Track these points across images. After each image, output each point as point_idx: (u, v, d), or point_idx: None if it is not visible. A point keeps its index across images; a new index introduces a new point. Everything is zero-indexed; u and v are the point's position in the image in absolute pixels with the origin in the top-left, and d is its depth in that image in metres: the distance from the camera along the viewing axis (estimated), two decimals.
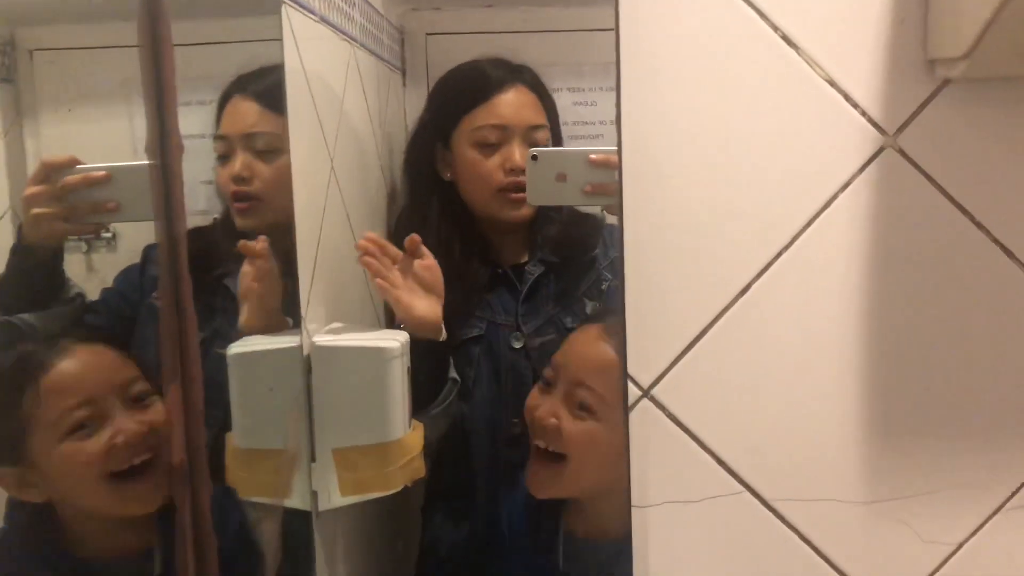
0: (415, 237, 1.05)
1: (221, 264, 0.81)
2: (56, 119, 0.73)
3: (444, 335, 1.13)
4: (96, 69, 0.74)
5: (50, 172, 0.67)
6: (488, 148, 1.23)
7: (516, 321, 1.24)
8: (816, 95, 0.67)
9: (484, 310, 1.24)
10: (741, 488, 0.70)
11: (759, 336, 0.69)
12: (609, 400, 1.00)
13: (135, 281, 0.75)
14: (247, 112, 0.88)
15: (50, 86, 0.72)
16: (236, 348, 0.82)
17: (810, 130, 0.67)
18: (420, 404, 1.16)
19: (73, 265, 0.74)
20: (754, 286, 0.68)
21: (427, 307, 1.06)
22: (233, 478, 0.82)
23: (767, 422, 0.69)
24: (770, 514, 0.70)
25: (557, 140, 1.29)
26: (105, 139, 0.75)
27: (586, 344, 1.06)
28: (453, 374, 1.18)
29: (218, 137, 0.86)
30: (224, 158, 0.87)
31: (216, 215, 0.87)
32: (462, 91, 1.27)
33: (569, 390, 1.03)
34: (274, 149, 0.88)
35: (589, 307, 1.22)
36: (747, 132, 0.67)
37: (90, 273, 0.76)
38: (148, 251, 0.74)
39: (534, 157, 1.05)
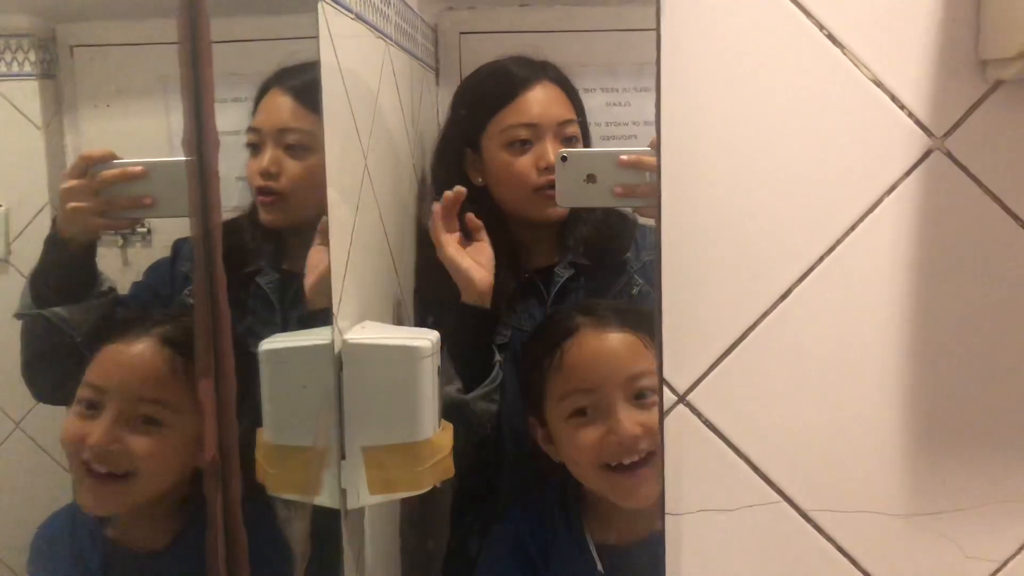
0: (475, 220, 1.10)
1: (252, 261, 0.80)
2: (95, 114, 0.73)
3: (489, 304, 1.15)
4: (135, 65, 0.74)
5: (87, 166, 0.67)
6: (520, 148, 1.21)
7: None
8: (862, 96, 0.65)
9: (509, 317, 1.23)
10: (778, 497, 0.69)
11: (799, 342, 0.67)
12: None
13: (166, 276, 0.75)
14: (282, 107, 0.88)
15: (90, 82, 0.72)
16: (268, 344, 0.82)
17: (855, 132, 0.66)
18: (472, 381, 1.17)
19: (108, 259, 0.74)
20: (795, 290, 0.67)
21: (481, 271, 1.13)
22: (263, 474, 0.82)
23: (806, 430, 0.68)
24: (807, 525, 0.69)
25: (585, 135, 1.27)
26: (142, 134, 0.75)
27: (603, 342, 1.05)
28: (498, 357, 1.18)
29: (251, 129, 0.86)
30: (255, 149, 0.87)
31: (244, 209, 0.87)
32: (488, 93, 1.26)
33: (624, 389, 1.01)
34: (305, 146, 0.88)
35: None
36: (790, 134, 0.66)
37: (125, 267, 0.77)
38: (178, 245, 0.74)
39: (563, 158, 1.04)
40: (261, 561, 0.74)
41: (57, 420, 0.71)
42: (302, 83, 0.87)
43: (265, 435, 0.82)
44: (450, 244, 1.13)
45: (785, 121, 0.66)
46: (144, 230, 0.76)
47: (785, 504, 0.69)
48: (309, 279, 0.85)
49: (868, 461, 0.68)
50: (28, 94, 0.69)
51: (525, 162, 1.20)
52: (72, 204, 0.67)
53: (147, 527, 0.74)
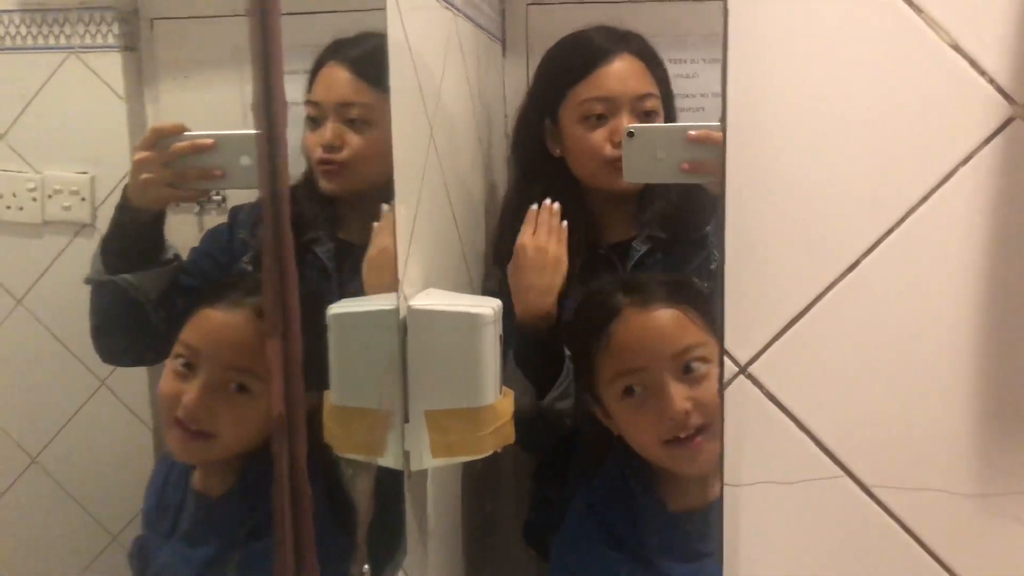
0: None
1: (309, 230, 0.81)
2: (174, 85, 0.75)
3: (555, 316, 1.16)
4: (211, 37, 0.76)
5: (159, 138, 0.68)
6: (595, 121, 1.20)
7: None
8: (939, 61, 0.63)
9: (582, 293, 1.23)
10: (840, 472, 0.67)
11: (866, 315, 0.66)
12: (712, 351, 0.99)
13: (224, 243, 0.77)
14: (342, 81, 0.88)
15: (169, 54, 0.74)
16: (336, 308, 0.85)
17: (930, 99, 0.63)
18: (544, 384, 1.17)
19: (185, 226, 0.77)
20: (863, 262, 0.65)
21: (542, 302, 1.13)
22: (330, 435, 0.84)
23: (870, 405, 0.66)
24: (870, 501, 0.67)
25: (669, 109, 1.24)
26: (218, 105, 0.77)
27: (655, 320, 1.05)
28: (568, 352, 1.18)
29: (310, 102, 0.87)
30: (314, 122, 0.87)
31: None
32: (567, 64, 1.25)
33: (678, 362, 1.02)
34: (366, 120, 0.88)
35: (696, 286, 1.19)
36: (861, 101, 0.64)
37: (200, 234, 0.79)
38: (235, 212, 0.76)
39: (630, 133, 1.03)
40: (325, 518, 0.77)
41: (134, 380, 0.75)
42: (360, 55, 0.88)
43: (332, 397, 0.85)
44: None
45: (856, 88, 0.64)
46: (219, 198, 0.78)
47: (847, 479, 0.67)
48: (371, 254, 0.86)
49: (935, 438, 0.66)
50: (111, 66, 0.71)
51: (599, 136, 1.20)
52: (143, 175, 0.68)
53: (219, 474, 0.78)
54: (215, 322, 0.74)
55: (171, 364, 0.72)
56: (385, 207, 0.86)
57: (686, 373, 1.00)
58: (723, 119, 0.65)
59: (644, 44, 1.24)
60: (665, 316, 1.03)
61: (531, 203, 1.20)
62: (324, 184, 0.86)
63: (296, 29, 0.81)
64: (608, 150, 1.19)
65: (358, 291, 0.87)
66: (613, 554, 1.05)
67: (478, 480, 1.31)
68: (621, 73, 1.21)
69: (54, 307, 0.71)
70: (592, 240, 1.25)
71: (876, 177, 0.65)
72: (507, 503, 1.51)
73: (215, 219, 0.79)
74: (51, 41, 0.69)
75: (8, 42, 0.68)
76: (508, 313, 1.09)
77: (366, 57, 0.87)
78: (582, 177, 1.24)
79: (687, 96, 1.42)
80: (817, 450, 0.67)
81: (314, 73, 0.87)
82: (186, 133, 0.69)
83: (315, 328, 0.76)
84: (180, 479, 0.77)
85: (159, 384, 0.73)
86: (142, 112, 0.73)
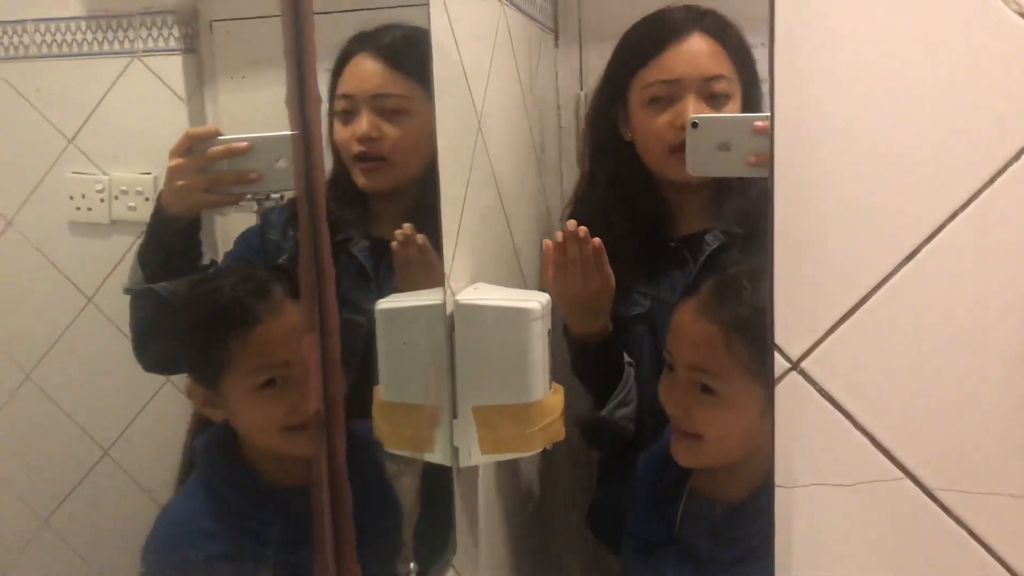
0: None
1: (341, 229, 0.79)
2: (232, 86, 0.75)
3: (610, 328, 1.13)
4: (267, 37, 0.76)
5: (192, 144, 0.67)
6: (660, 104, 1.15)
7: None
8: (1007, 33, 0.59)
9: (649, 287, 1.18)
10: (900, 474, 0.64)
11: (926, 307, 0.62)
12: (727, 376, 0.96)
13: (257, 245, 0.76)
14: (374, 72, 0.86)
15: (227, 55, 0.74)
16: (384, 304, 0.84)
17: (997, 74, 0.59)
18: (603, 392, 1.15)
19: (248, 224, 0.77)
20: (923, 251, 0.62)
21: (594, 317, 1.10)
22: (379, 430, 0.84)
23: (932, 403, 0.63)
24: (933, 504, 0.64)
25: (750, 94, 1.17)
26: (275, 104, 0.77)
27: (687, 323, 1.01)
28: (628, 359, 1.15)
29: (342, 96, 0.86)
30: (347, 116, 0.86)
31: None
32: (634, 46, 1.20)
33: (687, 375, 1.00)
34: (402, 111, 0.87)
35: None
36: (919, 81, 0.60)
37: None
38: (266, 214, 0.75)
39: (694, 124, 0.99)
40: (368, 516, 0.76)
41: None
42: (389, 44, 0.86)
43: (381, 393, 0.85)
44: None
45: (915, 67, 0.60)
46: (277, 196, 0.78)
47: (908, 481, 0.64)
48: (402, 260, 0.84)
49: (1002, 438, 0.62)
50: (173, 68, 0.71)
51: (664, 120, 1.15)
52: (179, 182, 0.67)
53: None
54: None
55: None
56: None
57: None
58: (771, 105, 0.62)
59: (722, 23, 1.17)
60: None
61: (599, 189, 1.16)
62: (362, 181, 0.85)
63: (333, 27, 0.81)
64: (672, 135, 1.14)
65: (397, 289, 0.86)
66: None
67: (530, 477, 1.30)
68: (689, 54, 1.15)
69: (122, 305, 0.72)
70: (662, 231, 1.20)
71: (936, 162, 0.61)
72: (560, 499, 1.50)
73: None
74: (115, 46, 0.70)
75: (75, 48, 0.69)
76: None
77: (397, 46, 0.85)
78: (650, 164, 1.20)
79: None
80: (875, 451, 0.64)
81: (340, 67, 0.86)
82: (220, 137, 0.68)
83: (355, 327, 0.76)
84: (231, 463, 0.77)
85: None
86: (202, 113, 0.73)
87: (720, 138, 0.97)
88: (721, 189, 1.19)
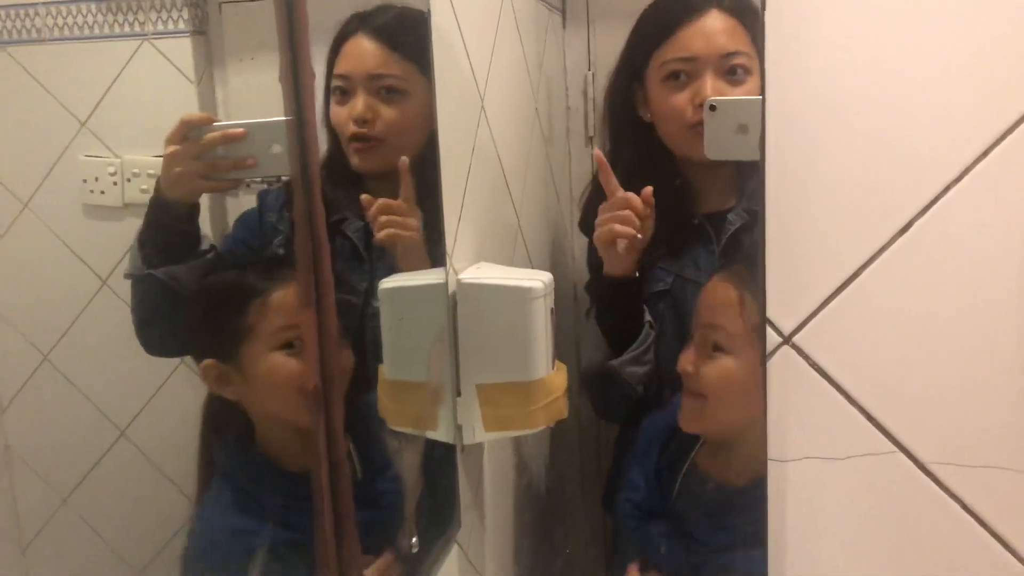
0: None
1: (335, 210, 0.79)
2: (241, 68, 0.75)
3: (636, 274, 1.14)
4: (275, 19, 0.76)
5: (188, 130, 0.67)
6: (678, 82, 1.15)
7: (709, 276, 1.16)
8: (1000, 3, 0.58)
9: (672, 263, 1.19)
10: (893, 448, 0.64)
11: (919, 281, 0.62)
12: (737, 334, 0.98)
13: (255, 228, 0.77)
14: (371, 52, 0.86)
15: (236, 36, 0.75)
16: (387, 283, 0.85)
17: (991, 46, 0.58)
18: (620, 346, 1.16)
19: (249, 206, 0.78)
20: (916, 223, 0.61)
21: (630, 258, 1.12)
22: (383, 408, 0.85)
23: (926, 376, 0.62)
24: (927, 478, 0.64)
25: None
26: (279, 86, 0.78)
27: (711, 289, 1.05)
28: (648, 318, 1.16)
29: (337, 75, 0.85)
30: (343, 97, 0.86)
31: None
32: (651, 25, 1.19)
33: (702, 335, 1.02)
34: (398, 91, 0.86)
35: None
36: (912, 54, 0.60)
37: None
38: (263, 196, 0.75)
39: (712, 107, 0.98)
40: (368, 489, 0.77)
41: None
42: (386, 24, 0.86)
43: (385, 371, 0.86)
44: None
45: (907, 41, 0.60)
46: (287, 178, 0.79)
47: (901, 455, 0.64)
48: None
49: (996, 412, 0.61)
50: (182, 50, 0.71)
51: (682, 98, 1.14)
52: (176, 168, 0.67)
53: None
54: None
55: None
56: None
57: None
58: (761, 79, 0.62)
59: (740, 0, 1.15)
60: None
61: (620, 168, 1.16)
62: (356, 161, 0.85)
63: (330, 7, 0.81)
64: (690, 113, 1.13)
65: (391, 270, 0.87)
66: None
67: (537, 454, 1.31)
68: (706, 31, 1.14)
69: None
70: (685, 209, 1.20)
71: (929, 135, 0.60)
72: (568, 477, 1.51)
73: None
74: (126, 29, 0.70)
75: (87, 31, 0.69)
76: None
77: (393, 26, 0.85)
78: (670, 144, 1.19)
79: None
80: (868, 424, 0.64)
81: (337, 47, 0.86)
82: (215, 123, 0.68)
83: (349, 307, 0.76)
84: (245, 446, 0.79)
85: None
86: (212, 95, 0.73)
87: (738, 121, 0.97)
88: (743, 167, 1.17)
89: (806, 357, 0.64)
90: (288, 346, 0.72)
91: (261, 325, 0.73)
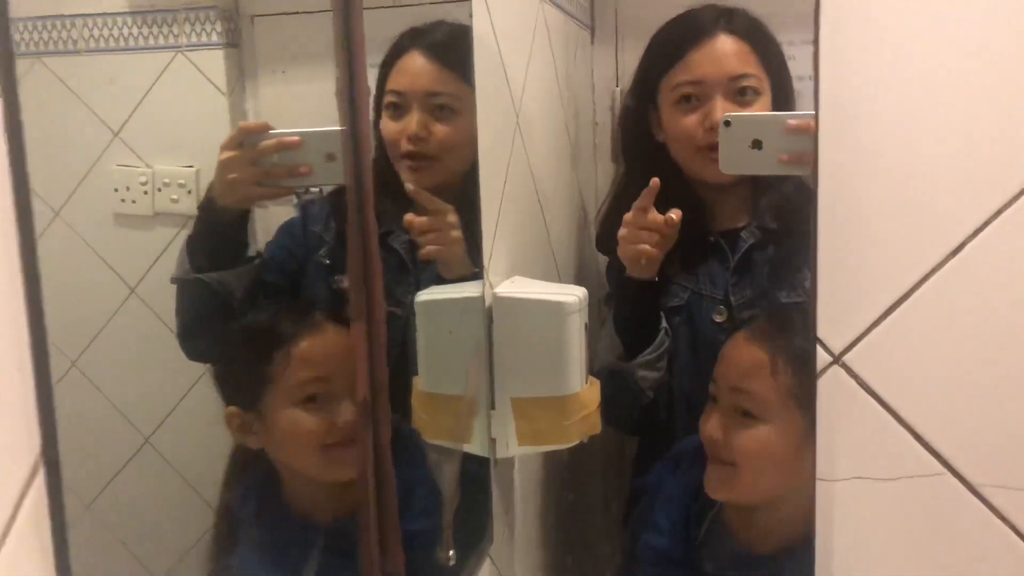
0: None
1: (383, 222, 0.80)
2: (272, 80, 0.76)
3: (655, 275, 1.14)
4: (307, 32, 0.77)
5: (244, 137, 0.68)
6: (688, 105, 1.16)
7: (724, 293, 1.18)
8: None
9: (688, 279, 1.19)
10: (943, 469, 0.64)
11: (971, 301, 0.62)
12: (769, 401, 0.96)
13: (299, 237, 0.76)
14: (425, 70, 0.87)
15: (268, 49, 0.75)
16: (423, 296, 0.85)
17: None
18: (635, 349, 1.16)
19: (285, 217, 0.78)
20: (968, 245, 0.61)
21: (647, 251, 1.11)
22: (417, 420, 0.85)
23: (977, 398, 0.62)
24: (976, 501, 0.63)
25: (780, 92, 1.17)
26: (313, 98, 0.78)
27: (735, 349, 1.02)
28: (665, 324, 1.16)
29: (391, 91, 0.86)
30: (397, 113, 0.86)
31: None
32: (662, 48, 1.21)
33: (729, 399, 1.00)
34: (452, 109, 0.87)
35: (810, 281, 1.13)
36: (967, 74, 0.60)
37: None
38: (306, 207, 0.75)
39: (727, 123, 0.99)
40: (410, 503, 0.77)
41: None
42: (440, 42, 0.86)
43: (419, 383, 0.86)
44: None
45: (962, 62, 0.60)
46: (316, 189, 0.79)
47: (951, 476, 0.64)
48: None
49: None
50: (215, 63, 0.72)
51: (692, 120, 1.16)
52: (230, 175, 0.67)
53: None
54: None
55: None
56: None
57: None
58: (815, 99, 0.62)
59: (750, 22, 1.17)
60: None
61: (635, 189, 1.17)
62: (409, 178, 0.85)
63: (379, 22, 0.82)
64: (701, 135, 1.15)
65: (436, 282, 0.87)
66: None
67: (564, 470, 1.31)
68: (716, 54, 1.15)
69: (164, 296, 0.74)
70: (701, 227, 1.20)
71: (984, 156, 0.60)
72: (594, 493, 1.50)
73: None
74: (160, 41, 0.70)
75: (121, 43, 0.69)
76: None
77: (447, 44, 0.86)
78: (682, 165, 1.20)
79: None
80: (917, 445, 0.64)
81: (391, 62, 0.86)
82: (271, 131, 0.69)
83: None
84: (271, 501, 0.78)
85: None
86: (243, 106, 0.74)
87: (752, 136, 0.97)
88: (757, 186, 1.19)
89: (855, 376, 0.64)
90: (310, 400, 0.72)
91: (284, 376, 0.73)
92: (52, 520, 0.37)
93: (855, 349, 0.64)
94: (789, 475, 0.95)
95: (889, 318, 0.63)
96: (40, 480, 0.38)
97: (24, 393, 0.40)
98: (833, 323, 0.64)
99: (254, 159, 0.67)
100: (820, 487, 0.66)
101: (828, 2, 0.62)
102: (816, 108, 0.62)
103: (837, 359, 0.65)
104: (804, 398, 0.79)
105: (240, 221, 0.71)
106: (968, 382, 0.63)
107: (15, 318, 0.40)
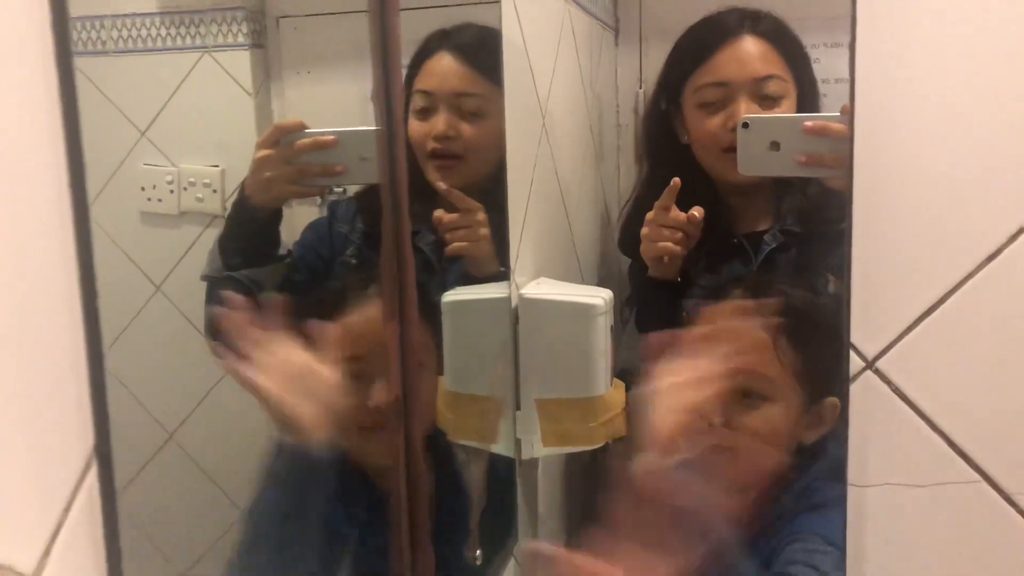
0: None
1: (412, 222, 0.80)
2: (298, 81, 0.77)
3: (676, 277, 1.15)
4: (332, 33, 0.78)
5: (280, 136, 0.68)
6: (712, 107, 1.16)
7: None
8: None
9: (712, 279, 1.19)
10: (977, 477, 0.63)
11: (1007, 307, 0.61)
12: (776, 379, 0.93)
13: (324, 237, 0.76)
14: (454, 71, 0.87)
15: (293, 50, 0.76)
16: (450, 296, 0.86)
17: None
18: None
19: (309, 217, 0.78)
20: (1005, 251, 0.61)
21: (668, 248, 1.13)
22: (443, 420, 0.86)
23: (1011, 405, 0.62)
24: (1011, 509, 0.63)
25: (805, 94, 1.17)
26: (339, 98, 0.78)
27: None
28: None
29: (419, 92, 0.86)
30: (424, 113, 0.86)
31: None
32: (686, 50, 1.21)
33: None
34: (480, 111, 0.87)
35: (832, 284, 1.10)
36: (1004, 73, 0.59)
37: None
38: (333, 207, 0.75)
39: (745, 124, 0.99)
40: (440, 502, 0.77)
41: None
42: (469, 43, 0.86)
43: (445, 383, 0.86)
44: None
45: (1000, 65, 0.59)
46: (340, 189, 0.79)
47: (984, 484, 0.63)
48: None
49: None
50: (241, 63, 0.73)
51: (716, 122, 1.16)
52: (266, 173, 0.67)
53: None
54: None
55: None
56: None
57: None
58: (851, 103, 0.62)
59: (775, 24, 1.17)
60: None
61: (658, 191, 1.17)
62: (435, 178, 0.85)
63: (408, 24, 0.82)
64: (725, 137, 1.14)
65: (463, 282, 0.87)
66: None
67: (588, 471, 1.31)
68: (740, 56, 1.15)
69: (188, 294, 0.74)
70: (724, 228, 1.20)
71: (1021, 163, 0.60)
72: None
73: None
74: (187, 42, 0.71)
75: (149, 43, 0.70)
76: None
77: (476, 46, 0.86)
78: (706, 167, 1.20)
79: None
80: (951, 452, 0.63)
81: (419, 62, 0.86)
82: (307, 131, 0.69)
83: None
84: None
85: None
86: (268, 107, 0.75)
87: (770, 138, 0.97)
88: (780, 188, 1.19)
89: (888, 382, 0.64)
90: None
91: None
92: (104, 512, 0.38)
93: (888, 355, 0.64)
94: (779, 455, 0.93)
95: (922, 324, 0.63)
96: (92, 474, 0.39)
97: (78, 388, 0.40)
98: (866, 328, 0.64)
99: (289, 158, 0.67)
100: (851, 492, 0.65)
101: (864, 4, 0.61)
102: (852, 112, 0.62)
103: (870, 364, 0.64)
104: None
105: (273, 219, 0.72)
106: (1002, 389, 0.62)
107: (71, 316, 0.40)
